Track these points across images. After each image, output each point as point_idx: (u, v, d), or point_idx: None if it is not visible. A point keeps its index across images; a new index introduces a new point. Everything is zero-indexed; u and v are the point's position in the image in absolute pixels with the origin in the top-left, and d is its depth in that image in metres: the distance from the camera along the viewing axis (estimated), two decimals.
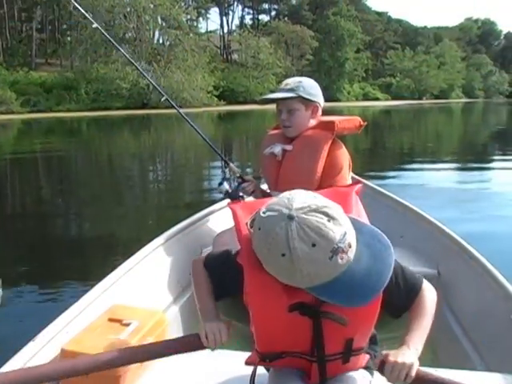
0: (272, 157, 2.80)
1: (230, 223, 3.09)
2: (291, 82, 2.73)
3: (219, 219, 3.39)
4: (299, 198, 1.31)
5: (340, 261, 1.27)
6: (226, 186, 2.94)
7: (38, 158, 15.92)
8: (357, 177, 3.54)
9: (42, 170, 13.97)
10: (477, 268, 2.47)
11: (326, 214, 1.27)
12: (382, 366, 1.36)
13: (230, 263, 1.50)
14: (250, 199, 2.90)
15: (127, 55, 3.82)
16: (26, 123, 34.62)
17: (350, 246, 1.29)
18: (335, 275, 1.29)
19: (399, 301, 1.49)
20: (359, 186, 1.63)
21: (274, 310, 1.38)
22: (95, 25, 3.49)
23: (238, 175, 3.02)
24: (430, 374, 1.39)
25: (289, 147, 2.74)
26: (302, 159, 2.67)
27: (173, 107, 3.35)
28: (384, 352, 1.38)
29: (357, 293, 1.30)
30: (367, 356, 1.54)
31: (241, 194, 2.93)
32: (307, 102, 2.69)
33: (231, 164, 3.07)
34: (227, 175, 3.13)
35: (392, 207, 3.58)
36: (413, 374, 1.33)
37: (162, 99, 3.31)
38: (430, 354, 1.83)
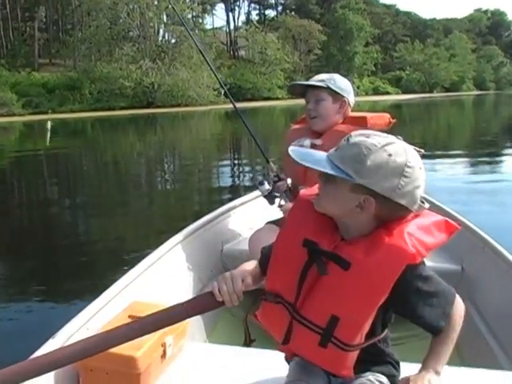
0: None
1: (249, 219, 3.41)
2: (324, 76, 2.76)
3: (239, 215, 3.49)
4: None
5: None
6: (266, 185, 2.90)
7: (43, 161, 15.49)
8: None
9: (46, 173, 13.53)
10: (502, 264, 2.47)
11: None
12: None
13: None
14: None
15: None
16: (27, 125, 33.78)
17: None
18: None
19: (433, 321, 1.34)
20: None
21: (294, 237, 1.41)
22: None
23: (274, 174, 2.95)
24: None
25: (318, 141, 2.71)
26: None
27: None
28: (407, 377, 1.30)
29: None
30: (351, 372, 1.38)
31: (275, 193, 2.88)
32: (335, 95, 2.70)
33: (271, 162, 3.02)
34: (267, 173, 3.06)
35: None
36: None
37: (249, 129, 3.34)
38: (455, 352, 1.73)
